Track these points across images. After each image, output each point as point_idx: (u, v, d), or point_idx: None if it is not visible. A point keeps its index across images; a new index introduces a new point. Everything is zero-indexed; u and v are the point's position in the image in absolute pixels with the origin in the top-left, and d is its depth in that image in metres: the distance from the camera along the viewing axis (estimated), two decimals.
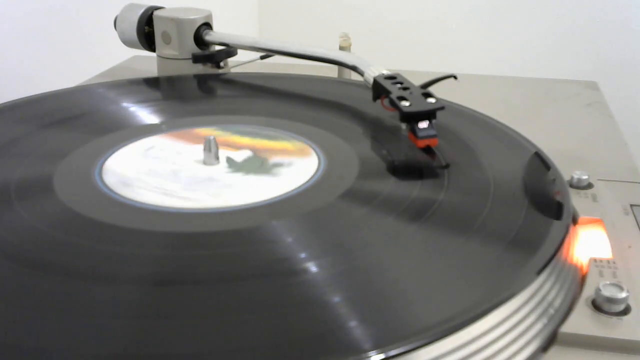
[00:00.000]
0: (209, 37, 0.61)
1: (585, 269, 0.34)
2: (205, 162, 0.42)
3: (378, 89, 0.48)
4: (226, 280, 0.30)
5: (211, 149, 0.42)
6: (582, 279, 0.33)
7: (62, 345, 0.26)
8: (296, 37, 0.70)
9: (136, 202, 0.37)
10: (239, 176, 0.40)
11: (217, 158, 0.42)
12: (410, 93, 0.45)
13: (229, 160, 0.42)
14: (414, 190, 0.39)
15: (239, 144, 0.45)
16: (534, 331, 0.29)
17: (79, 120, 0.50)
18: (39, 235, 0.34)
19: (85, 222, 0.35)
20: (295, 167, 0.41)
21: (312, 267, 0.31)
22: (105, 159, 0.43)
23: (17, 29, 0.71)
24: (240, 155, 0.43)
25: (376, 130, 0.49)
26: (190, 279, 0.31)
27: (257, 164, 0.42)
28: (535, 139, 0.45)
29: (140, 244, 0.33)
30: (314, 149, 0.44)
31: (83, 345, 0.26)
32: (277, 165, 0.42)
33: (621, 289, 0.30)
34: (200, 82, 0.60)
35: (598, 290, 0.30)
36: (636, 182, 0.44)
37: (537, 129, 0.48)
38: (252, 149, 0.44)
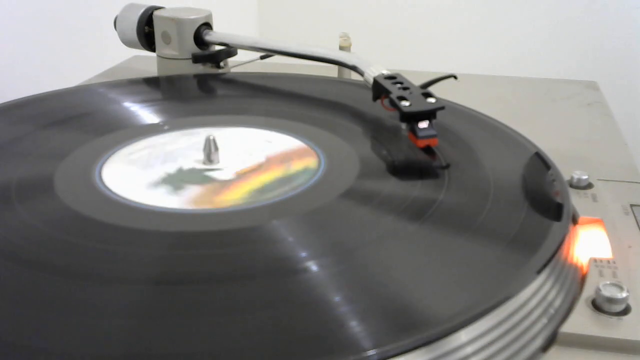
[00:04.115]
0: (209, 37, 0.61)
1: (585, 269, 0.34)
2: (205, 162, 0.42)
3: (378, 89, 0.48)
4: (226, 280, 0.30)
5: (211, 149, 0.42)
6: (582, 279, 0.33)
7: (62, 345, 0.26)
8: (296, 37, 0.70)
9: (136, 202, 0.37)
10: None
11: (217, 158, 0.42)
12: (410, 93, 0.45)
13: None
14: (414, 190, 0.39)
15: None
16: (534, 331, 0.29)
17: (79, 120, 0.50)
18: (39, 235, 0.34)
19: (85, 222, 0.35)
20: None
21: (312, 267, 0.31)
22: (106, 159, 0.43)
23: (17, 29, 0.71)
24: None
25: (376, 130, 0.49)
26: (190, 279, 0.31)
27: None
28: (535, 139, 0.45)
29: (140, 244, 0.33)
30: (313, 149, 0.44)
31: (83, 345, 0.26)
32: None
33: (621, 289, 0.30)
34: (200, 82, 0.60)
35: (598, 290, 0.30)
36: (636, 182, 0.44)
37: (537, 129, 0.48)
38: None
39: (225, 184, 0.39)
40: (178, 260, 0.32)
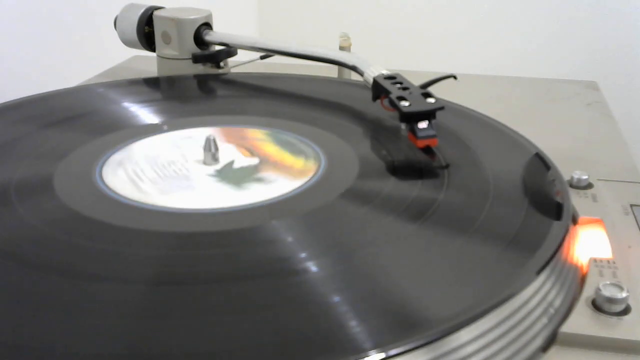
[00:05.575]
0: (209, 37, 0.61)
1: (585, 269, 0.34)
2: (205, 162, 0.42)
3: (378, 89, 0.48)
4: (226, 280, 0.30)
5: (211, 149, 0.42)
6: (582, 279, 0.33)
7: (62, 345, 0.26)
8: (296, 37, 0.70)
9: (136, 202, 0.37)
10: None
11: (217, 158, 0.42)
12: (410, 93, 0.45)
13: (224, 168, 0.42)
14: (413, 190, 0.39)
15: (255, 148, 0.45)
16: (534, 331, 0.29)
17: (79, 120, 0.50)
18: (39, 235, 0.34)
19: (85, 221, 0.35)
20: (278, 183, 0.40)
21: (312, 267, 0.31)
22: (106, 159, 0.43)
23: (17, 29, 0.71)
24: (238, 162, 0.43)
25: (376, 130, 0.49)
26: (190, 279, 0.31)
27: (244, 175, 0.41)
28: (535, 139, 0.45)
29: (140, 244, 0.33)
30: (313, 148, 0.44)
31: (83, 345, 0.26)
32: (260, 180, 0.40)
33: (621, 289, 0.30)
34: (200, 82, 0.60)
35: (598, 290, 0.30)
36: (636, 182, 0.44)
37: (537, 129, 0.48)
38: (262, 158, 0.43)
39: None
40: (178, 260, 0.32)
